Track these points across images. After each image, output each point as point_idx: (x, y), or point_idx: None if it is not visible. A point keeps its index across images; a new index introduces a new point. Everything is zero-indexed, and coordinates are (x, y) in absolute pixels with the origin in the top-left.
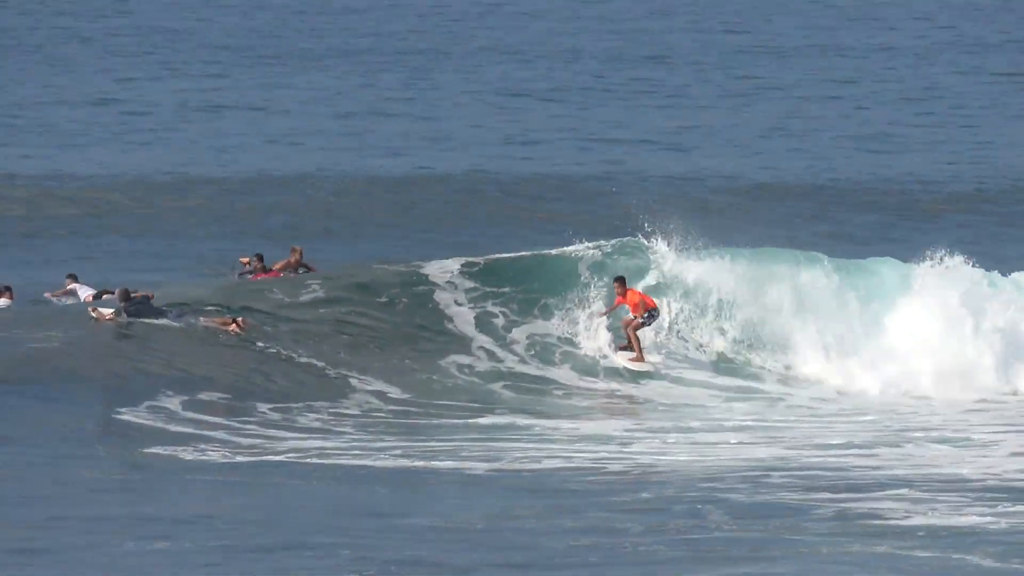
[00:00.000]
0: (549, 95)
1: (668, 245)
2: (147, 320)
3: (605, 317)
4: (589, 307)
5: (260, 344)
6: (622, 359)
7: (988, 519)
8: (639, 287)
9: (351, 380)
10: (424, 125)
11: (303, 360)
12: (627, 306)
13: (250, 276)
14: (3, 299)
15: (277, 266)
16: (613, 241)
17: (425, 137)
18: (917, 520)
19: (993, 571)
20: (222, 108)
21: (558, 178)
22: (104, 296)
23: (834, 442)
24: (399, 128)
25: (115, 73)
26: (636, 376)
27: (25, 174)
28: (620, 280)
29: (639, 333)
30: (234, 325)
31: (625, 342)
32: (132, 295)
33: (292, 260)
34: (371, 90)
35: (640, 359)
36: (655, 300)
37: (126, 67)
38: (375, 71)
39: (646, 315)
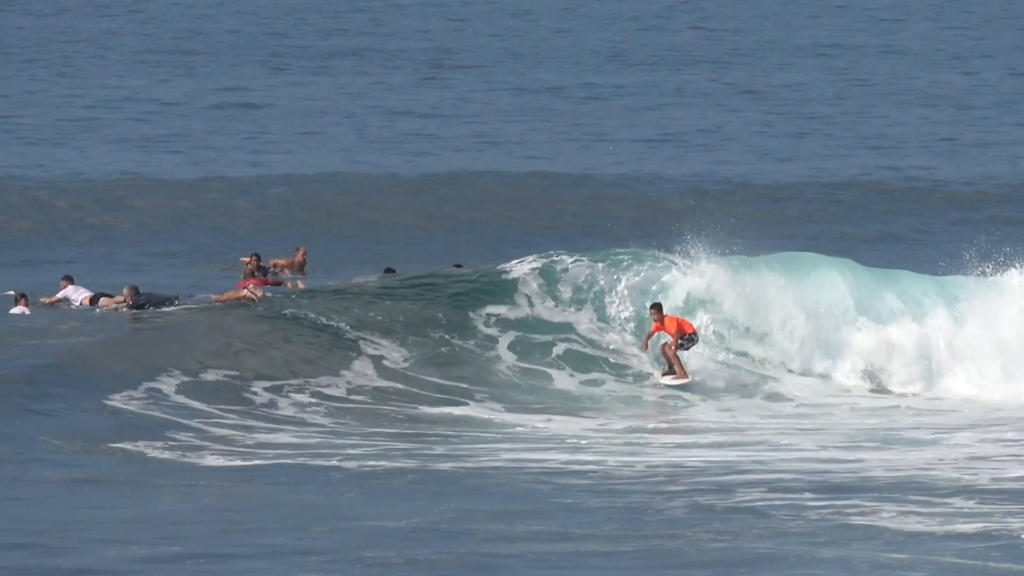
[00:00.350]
0: (566, 95)
1: (701, 252)
2: (156, 309)
3: (645, 348)
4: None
5: (287, 312)
6: (666, 382)
7: (960, 521)
8: (674, 296)
9: (363, 345)
10: (434, 125)
11: (326, 323)
12: (665, 332)
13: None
14: (19, 306)
15: (281, 262)
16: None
17: (435, 137)
18: (888, 523)
19: (971, 569)
20: (225, 108)
21: (574, 179)
22: (101, 299)
23: (806, 444)
24: (409, 129)
25: (120, 73)
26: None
27: (25, 175)
28: (657, 307)
29: (678, 354)
30: (246, 291)
31: (667, 367)
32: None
33: (296, 260)
34: (378, 91)
35: (683, 375)
36: (692, 324)
37: (131, 67)
38: (380, 72)
39: (684, 339)
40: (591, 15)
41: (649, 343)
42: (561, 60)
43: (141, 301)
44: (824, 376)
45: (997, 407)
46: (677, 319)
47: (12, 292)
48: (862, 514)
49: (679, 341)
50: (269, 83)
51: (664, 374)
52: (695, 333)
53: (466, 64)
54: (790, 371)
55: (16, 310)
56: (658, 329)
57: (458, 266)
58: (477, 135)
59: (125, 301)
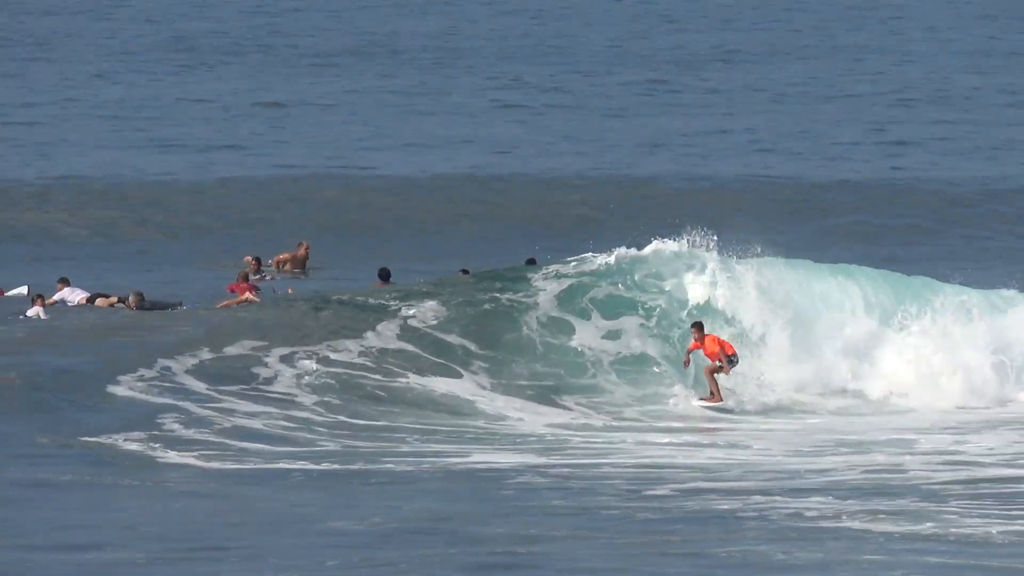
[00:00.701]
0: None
1: (725, 255)
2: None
3: (687, 365)
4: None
5: (317, 297)
6: (700, 405)
7: (936, 523)
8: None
9: (404, 308)
10: (442, 125)
11: (372, 301)
12: (703, 351)
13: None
14: (35, 307)
15: (283, 257)
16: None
17: (443, 138)
18: (866, 525)
19: (953, 568)
20: (228, 108)
21: (589, 180)
22: (98, 300)
23: (775, 447)
24: (410, 128)
25: (119, 71)
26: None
27: (25, 173)
28: (698, 325)
29: (717, 377)
30: (248, 296)
31: (707, 393)
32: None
33: (299, 254)
34: (381, 90)
35: (718, 399)
36: (734, 346)
37: (131, 66)
38: (386, 72)
39: (725, 361)
40: (592, 15)
41: (691, 360)
42: (566, 60)
43: (146, 306)
44: (799, 380)
45: (965, 410)
46: (718, 339)
47: (26, 288)
48: (837, 517)
49: (718, 365)
50: (270, 82)
51: (701, 398)
52: (736, 355)
53: (470, 63)
54: (762, 374)
55: (32, 312)
56: (696, 347)
57: (465, 271)
58: (481, 135)
59: (130, 307)
